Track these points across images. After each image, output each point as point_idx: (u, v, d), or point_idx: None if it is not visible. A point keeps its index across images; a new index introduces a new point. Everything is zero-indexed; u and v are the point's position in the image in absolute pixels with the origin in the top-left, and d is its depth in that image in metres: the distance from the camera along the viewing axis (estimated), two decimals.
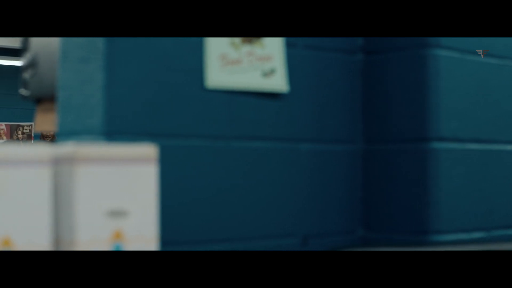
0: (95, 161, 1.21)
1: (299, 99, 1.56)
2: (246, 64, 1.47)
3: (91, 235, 1.21)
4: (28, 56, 1.49)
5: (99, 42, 1.34)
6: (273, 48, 1.51)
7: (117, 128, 1.33)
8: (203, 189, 1.43)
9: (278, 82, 1.51)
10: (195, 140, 1.42)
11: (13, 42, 7.27)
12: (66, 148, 1.18)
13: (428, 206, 1.59)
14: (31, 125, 9.46)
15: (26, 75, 1.50)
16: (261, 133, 1.51)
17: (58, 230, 1.20)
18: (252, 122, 1.49)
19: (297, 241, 1.56)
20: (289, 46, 1.55)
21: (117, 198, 1.23)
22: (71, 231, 1.19)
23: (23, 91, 1.52)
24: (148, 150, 1.26)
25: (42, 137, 7.93)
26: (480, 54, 1.63)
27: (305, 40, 1.58)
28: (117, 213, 1.23)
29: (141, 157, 1.26)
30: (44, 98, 1.52)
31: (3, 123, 9.35)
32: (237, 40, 1.47)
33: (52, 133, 6.86)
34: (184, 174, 1.41)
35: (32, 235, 1.17)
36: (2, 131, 9.41)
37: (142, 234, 1.26)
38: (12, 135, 9.50)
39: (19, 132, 9.52)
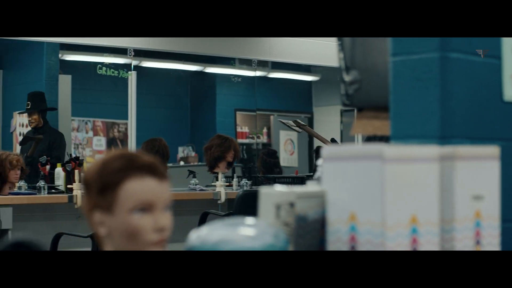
0: (466, 158, 1.60)
1: None
2: None
3: (462, 214, 1.59)
4: (353, 73, 1.89)
5: (433, 65, 1.73)
6: None
7: (448, 133, 1.73)
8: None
9: None
10: (496, 142, 1.81)
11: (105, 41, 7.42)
12: (448, 149, 1.57)
13: None
14: (126, 123, 9.78)
15: (350, 88, 1.90)
16: None
17: (442, 210, 1.58)
18: None
19: None
20: None
21: (476, 185, 1.62)
22: (451, 211, 1.57)
23: (345, 101, 1.93)
24: (493, 150, 1.64)
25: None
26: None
27: None
28: (477, 197, 1.61)
29: (488, 155, 1.64)
30: (364, 108, 1.92)
31: (99, 120, 9.67)
32: None
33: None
34: None
35: (428, 214, 1.55)
36: (98, 128, 9.77)
37: (491, 214, 1.65)
38: (108, 132, 9.82)
39: (115, 130, 9.86)
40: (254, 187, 6.69)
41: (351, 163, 1.53)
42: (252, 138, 9.76)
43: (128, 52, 7.08)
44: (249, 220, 1.50)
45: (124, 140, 9.72)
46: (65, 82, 8.08)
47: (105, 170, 1.61)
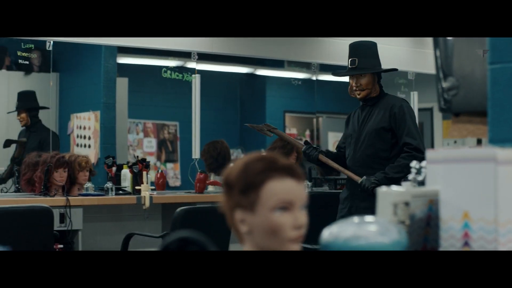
0: None
1: None
2: None
3: None
4: (451, 80, 2.02)
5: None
6: None
7: None
8: None
9: None
10: None
11: (151, 42, 7.50)
12: None
13: None
14: (176, 124, 9.91)
15: (448, 94, 2.03)
16: None
17: None
18: None
19: None
20: None
21: None
22: None
23: (442, 106, 2.06)
24: None
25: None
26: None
27: None
28: None
29: None
30: (461, 113, 2.05)
31: (150, 121, 9.80)
32: None
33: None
34: None
35: None
36: (149, 129, 9.92)
37: None
38: (158, 134, 9.94)
39: (165, 131, 9.99)
40: (314, 189, 6.81)
41: (464, 165, 1.66)
42: (301, 139, 9.87)
43: (192, 55, 7.24)
44: (371, 218, 1.64)
45: (174, 142, 9.85)
46: (122, 84, 8.26)
47: (248, 171, 1.76)
